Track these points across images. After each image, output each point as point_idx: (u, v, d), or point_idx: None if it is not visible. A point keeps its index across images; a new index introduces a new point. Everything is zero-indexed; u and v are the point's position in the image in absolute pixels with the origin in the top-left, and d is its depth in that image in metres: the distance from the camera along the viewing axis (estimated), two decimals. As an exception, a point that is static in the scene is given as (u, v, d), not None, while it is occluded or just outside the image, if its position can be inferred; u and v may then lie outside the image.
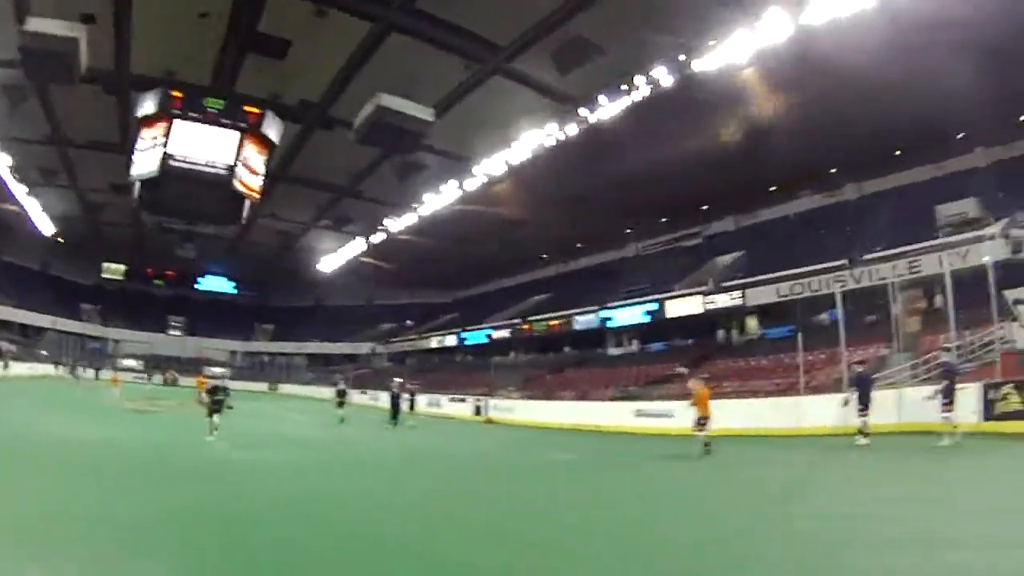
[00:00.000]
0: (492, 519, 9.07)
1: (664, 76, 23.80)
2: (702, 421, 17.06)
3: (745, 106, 27.43)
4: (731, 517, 8.97)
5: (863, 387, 17.02)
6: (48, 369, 54.38)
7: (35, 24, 22.62)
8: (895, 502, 9.39)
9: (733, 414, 22.33)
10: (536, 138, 30.63)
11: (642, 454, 18.42)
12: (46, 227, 54.23)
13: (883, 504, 9.22)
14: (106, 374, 52.61)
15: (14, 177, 41.21)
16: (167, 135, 28.91)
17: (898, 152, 32.73)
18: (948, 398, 15.35)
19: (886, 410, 18.17)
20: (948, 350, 17.55)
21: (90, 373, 49.96)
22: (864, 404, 16.83)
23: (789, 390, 22.70)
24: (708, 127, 29.30)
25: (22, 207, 48.03)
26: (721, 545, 7.15)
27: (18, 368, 48.68)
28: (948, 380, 15.53)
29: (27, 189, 44.51)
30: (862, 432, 16.65)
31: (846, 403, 17.53)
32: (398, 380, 30.10)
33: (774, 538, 7.49)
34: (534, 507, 10.15)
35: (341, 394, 26.30)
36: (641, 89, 24.71)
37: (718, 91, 25.31)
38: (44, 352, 59.70)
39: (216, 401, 16.46)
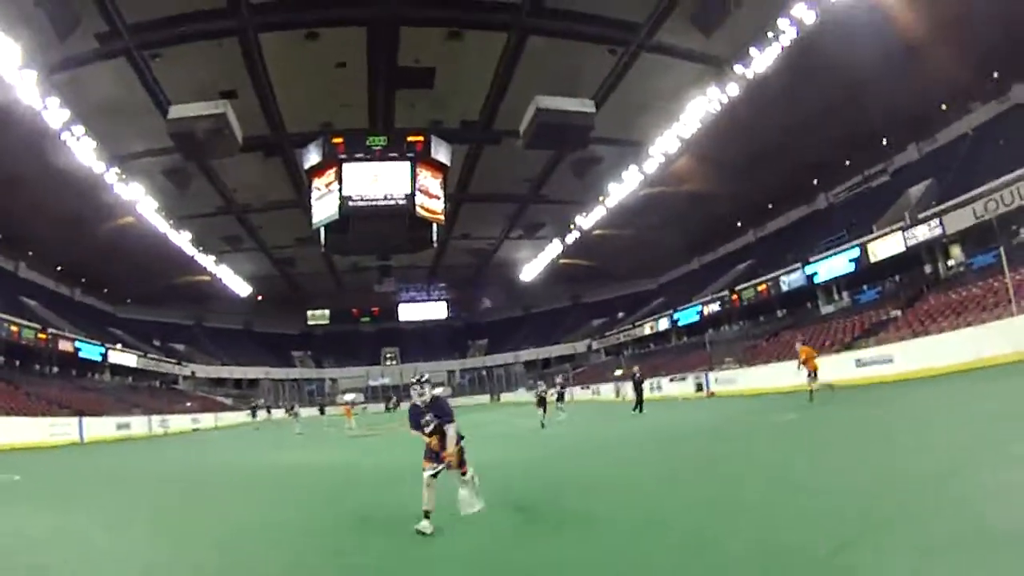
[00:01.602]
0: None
1: (805, 13, 22.83)
2: (812, 374, 18.93)
3: (892, 23, 25.54)
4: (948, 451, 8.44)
5: None
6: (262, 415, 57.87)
7: (178, 111, 24.81)
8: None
9: (953, 347, 20.97)
10: (701, 106, 29.92)
11: (862, 403, 17.55)
12: (243, 289, 58.29)
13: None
14: (333, 409, 56.17)
15: (199, 250, 44.39)
16: (339, 179, 30.70)
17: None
18: None
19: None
20: None
21: (307, 412, 52.89)
22: None
23: (1004, 315, 20.93)
24: (863, 54, 27.21)
25: (214, 275, 51.76)
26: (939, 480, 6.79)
27: (232, 417, 52.69)
28: None
29: (215, 258, 48.00)
30: None
31: None
32: (636, 368, 30.06)
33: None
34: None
35: (540, 400, 26.10)
36: (787, 32, 23.80)
37: (862, 14, 23.91)
38: (262, 400, 62.69)
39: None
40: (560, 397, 26.70)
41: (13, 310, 39.84)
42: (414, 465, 6.85)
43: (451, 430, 7.12)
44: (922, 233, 30.48)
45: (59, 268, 51.20)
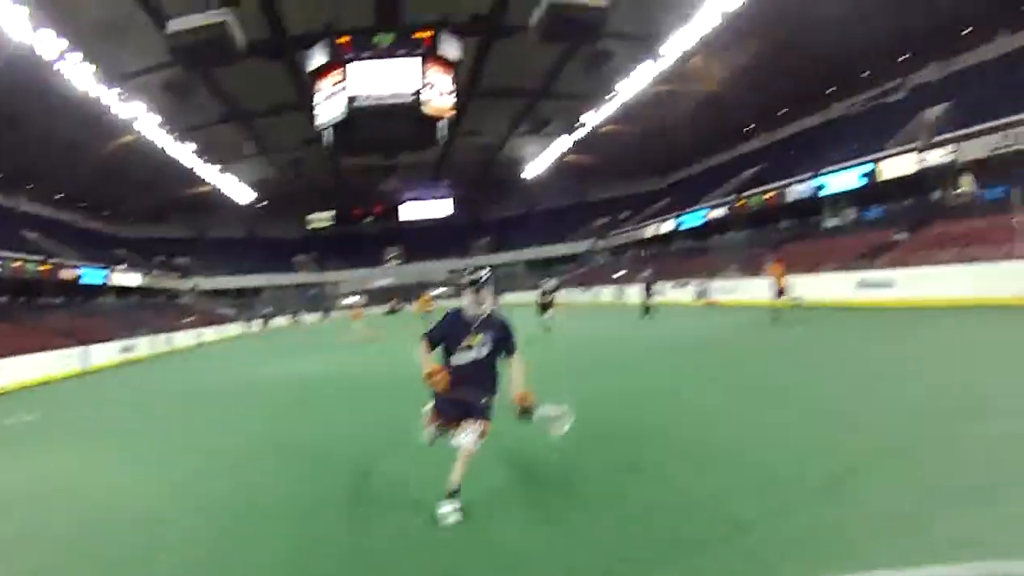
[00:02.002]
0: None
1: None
2: (781, 292, 19.97)
3: None
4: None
5: None
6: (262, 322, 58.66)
7: (177, 24, 24.05)
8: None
9: (957, 281, 20.64)
10: (721, 2, 29.09)
11: (860, 327, 17.31)
12: (245, 196, 58.27)
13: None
14: (334, 314, 56.61)
15: (202, 160, 44.25)
16: (345, 78, 30.18)
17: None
18: None
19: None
20: None
21: (311, 317, 52.85)
22: None
23: (1011, 254, 20.48)
24: None
25: (216, 186, 51.95)
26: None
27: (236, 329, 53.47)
28: None
29: (219, 168, 47.89)
30: None
31: None
32: (648, 270, 30.12)
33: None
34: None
35: (545, 304, 24.32)
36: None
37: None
38: (263, 309, 63.67)
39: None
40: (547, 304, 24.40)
41: (15, 245, 39.88)
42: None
43: (519, 364, 5.29)
44: (935, 157, 29.81)
45: (59, 197, 50.90)
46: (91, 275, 46.92)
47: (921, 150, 30.50)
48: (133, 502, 6.45)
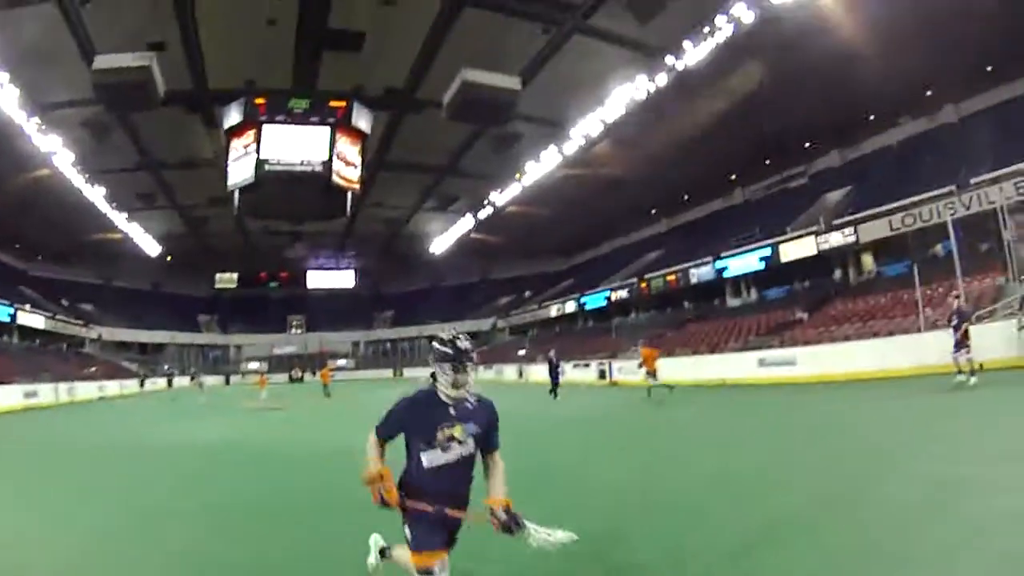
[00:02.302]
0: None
1: (744, 12, 22.82)
2: (651, 373, 21.44)
3: (830, 34, 25.72)
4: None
5: (961, 321, 15.75)
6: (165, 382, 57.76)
7: (103, 61, 23.65)
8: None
9: (857, 356, 21.43)
10: (627, 93, 29.82)
11: (763, 403, 17.74)
12: (152, 248, 56.55)
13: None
14: (236, 379, 55.30)
15: (111, 206, 42.87)
16: (258, 141, 29.83)
17: (990, 68, 30.23)
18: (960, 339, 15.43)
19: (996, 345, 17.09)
20: (957, 297, 17.66)
21: (213, 380, 51.46)
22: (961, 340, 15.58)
23: (910, 328, 21.44)
24: (796, 60, 27.66)
25: (125, 233, 50.10)
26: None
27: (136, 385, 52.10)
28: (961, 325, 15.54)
29: (127, 215, 46.36)
30: (961, 370, 15.35)
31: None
32: (552, 350, 29.80)
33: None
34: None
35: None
36: (723, 29, 23.77)
37: (800, 21, 24.06)
38: (166, 366, 63.35)
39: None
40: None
41: None
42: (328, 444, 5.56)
43: (500, 464, 3.85)
44: (836, 239, 31.22)
45: None
46: None
47: (821, 232, 31.87)
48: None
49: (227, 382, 52.34)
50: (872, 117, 35.08)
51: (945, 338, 16.34)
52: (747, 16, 22.90)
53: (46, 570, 5.60)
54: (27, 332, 50.05)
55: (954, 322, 15.73)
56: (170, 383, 53.98)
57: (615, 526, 6.07)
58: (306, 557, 5.68)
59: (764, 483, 7.53)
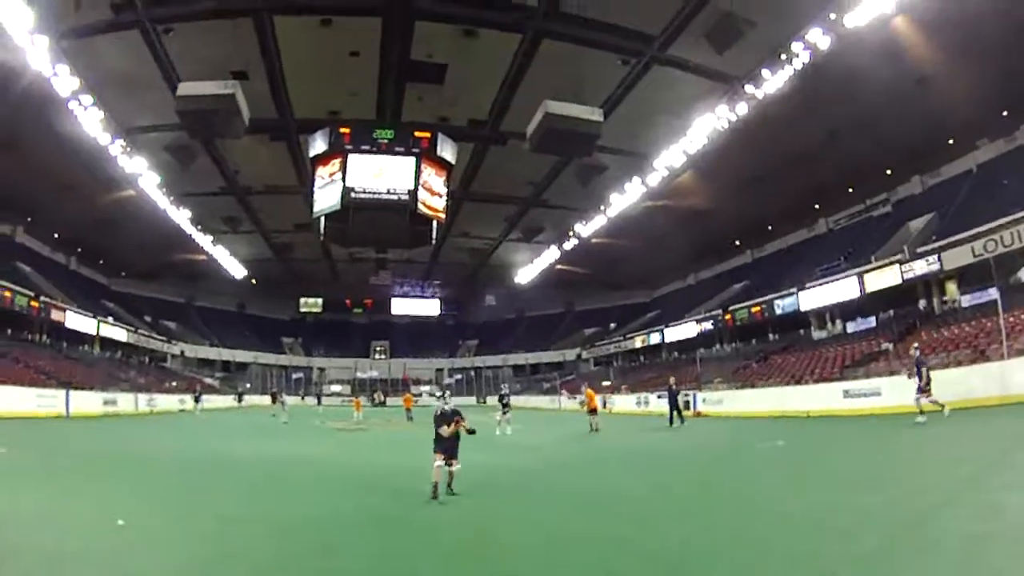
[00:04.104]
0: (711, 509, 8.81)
1: (819, 38, 22.75)
2: (592, 412, 24.51)
3: (906, 54, 25.42)
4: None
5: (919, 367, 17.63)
6: (256, 400, 59.21)
7: (187, 88, 24.50)
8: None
9: (940, 386, 20.90)
10: (709, 123, 29.77)
11: (846, 436, 17.52)
12: (237, 271, 58.27)
13: None
14: (310, 400, 57.09)
15: (196, 228, 44.44)
16: (343, 169, 30.48)
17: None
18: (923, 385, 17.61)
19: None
20: (918, 349, 19.44)
21: (291, 400, 52.27)
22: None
23: (993, 356, 20.86)
24: (873, 85, 27.45)
25: (210, 255, 51.72)
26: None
27: (219, 400, 53.73)
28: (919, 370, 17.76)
29: (212, 238, 48.07)
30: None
31: None
32: (672, 378, 29.47)
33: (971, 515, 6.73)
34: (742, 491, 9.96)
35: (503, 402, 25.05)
36: (800, 56, 23.70)
37: (876, 43, 23.73)
38: (248, 385, 64.98)
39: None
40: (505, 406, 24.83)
41: (7, 275, 39.51)
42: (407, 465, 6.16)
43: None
44: (920, 267, 30.51)
45: (56, 236, 50.96)
46: (80, 321, 46.73)
47: (905, 261, 31.20)
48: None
49: (319, 402, 53.27)
50: (951, 141, 34.25)
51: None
52: (823, 42, 22.85)
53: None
54: (109, 344, 51.79)
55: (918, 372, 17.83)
56: (239, 399, 55.57)
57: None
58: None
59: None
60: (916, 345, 20.20)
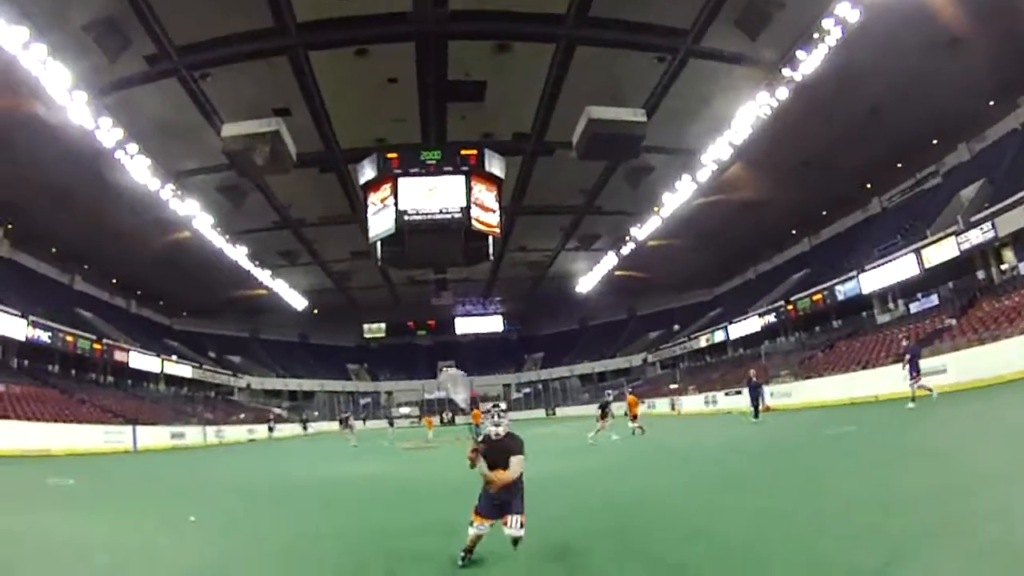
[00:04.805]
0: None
1: (849, 11, 22.71)
2: (634, 419, 25.66)
3: (935, 17, 24.79)
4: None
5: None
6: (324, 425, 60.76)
7: (230, 129, 25.53)
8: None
9: (1004, 359, 20.62)
10: (751, 111, 29.69)
11: (911, 417, 17.45)
12: (298, 302, 59.54)
13: None
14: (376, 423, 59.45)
15: (254, 264, 45.70)
16: (394, 193, 31.08)
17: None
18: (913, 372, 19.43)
19: None
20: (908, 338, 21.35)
21: (360, 424, 52.59)
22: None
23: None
24: (907, 54, 26.93)
25: (270, 288, 52.95)
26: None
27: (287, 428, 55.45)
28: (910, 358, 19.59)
29: (271, 272, 49.39)
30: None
31: None
32: (752, 371, 29.16)
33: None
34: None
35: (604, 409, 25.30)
36: (832, 32, 23.64)
37: (905, 9, 23.41)
38: (315, 412, 66.82)
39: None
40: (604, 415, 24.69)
41: (68, 321, 41.12)
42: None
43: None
44: (975, 237, 29.88)
45: (115, 281, 53.24)
46: (144, 360, 48.46)
47: (959, 232, 30.59)
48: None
49: (391, 424, 54.21)
50: (992, 103, 33.41)
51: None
52: (852, 15, 22.75)
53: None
54: (174, 381, 53.77)
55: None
56: (305, 427, 57.14)
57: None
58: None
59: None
60: (906, 337, 22.27)
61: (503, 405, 6.61)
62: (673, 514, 8.36)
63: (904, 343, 20.86)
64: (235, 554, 7.43)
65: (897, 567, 4.92)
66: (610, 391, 29.75)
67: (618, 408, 29.08)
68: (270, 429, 44.21)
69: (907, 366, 19.56)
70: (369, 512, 10.53)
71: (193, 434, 37.89)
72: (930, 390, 19.21)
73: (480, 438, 6.49)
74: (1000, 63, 28.75)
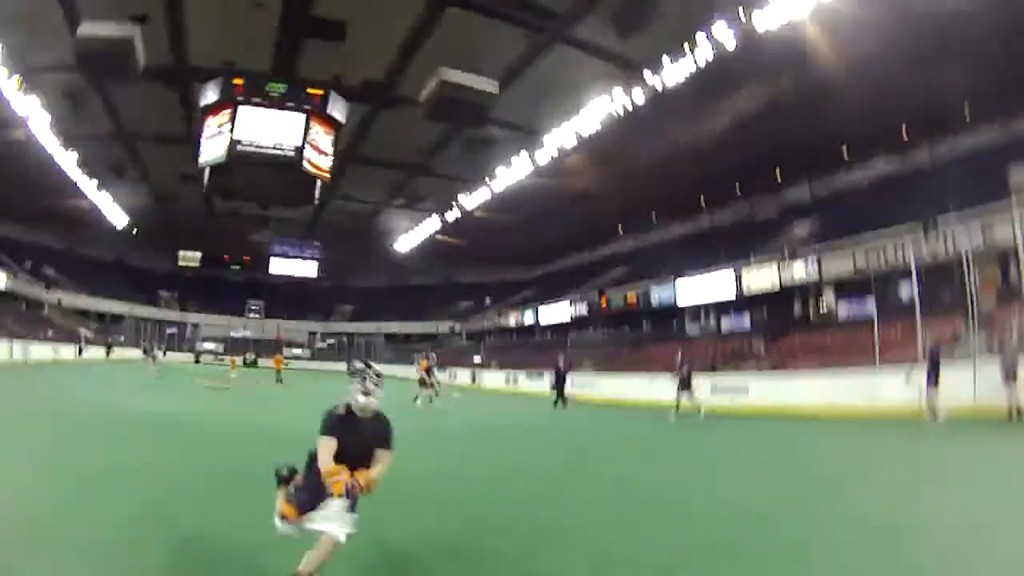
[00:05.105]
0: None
1: (726, 35, 22.77)
2: (421, 384, 24.84)
3: (810, 65, 25.73)
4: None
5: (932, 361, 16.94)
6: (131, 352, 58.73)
7: (87, 28, 23.34)
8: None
9: (808, 391, 21.47)
10: (604, 106, 29.67)
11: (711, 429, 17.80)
12: (119, 219, 56.50)
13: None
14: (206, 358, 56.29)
15: (83, 172, 42.88)
16: (232, 121, 29.28)
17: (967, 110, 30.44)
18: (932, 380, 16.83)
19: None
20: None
21: (165, 356, 51.09)
22: (932, 380, 16.85)
23: (865, 366, 21.49)
24: (774, 88, 28.04)
25: (93, 202, 50.10)
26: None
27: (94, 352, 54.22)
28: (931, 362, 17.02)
29: (97, 183, 46.34)
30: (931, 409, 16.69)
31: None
32: (561, 357, 29.42)
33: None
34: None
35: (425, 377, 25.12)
36: (704, 50, 23.76)
37: (781, 49, 23.90)
38: (122, 337, 64.45)
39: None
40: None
41: None
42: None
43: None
44: (798, 271, 31.18)
45: None
46: None
47: (783, 262, 31.92)
48: None
49: (197, 360, 51.85)
50: (846, 153, 35.26)
51: (900, 379, 16.89)
52: (728, 39, 22.85)
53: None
54: None
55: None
56: (109, 351, 54.31)
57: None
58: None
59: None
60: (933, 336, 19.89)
61: (376, 366, 4.70)
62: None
63: (930, 343, 17.94)
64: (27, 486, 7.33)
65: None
66: (434, 354, 28.77)
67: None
68: (80, 351, 41.56)
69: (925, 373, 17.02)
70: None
71: (1, 351, 36.73)
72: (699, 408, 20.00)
73: (339, 410, 4.60)
74: (865, 118, 30.14)
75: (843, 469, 11.50)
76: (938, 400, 16.52)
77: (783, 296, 33.51)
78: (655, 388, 28.03)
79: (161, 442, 11.58)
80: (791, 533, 6.79)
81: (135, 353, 56.01)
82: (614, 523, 7.11)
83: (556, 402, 25.82)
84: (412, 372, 29.54)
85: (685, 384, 21.00)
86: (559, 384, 26.51)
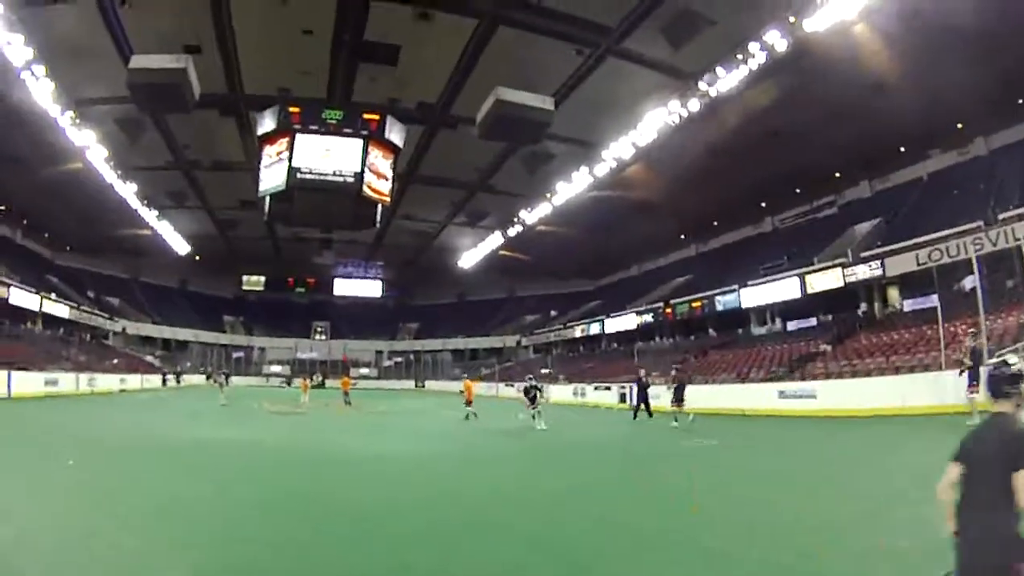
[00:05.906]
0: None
1: (777, 40, 22.75)
2: (468, 403, 25.48)
3: (863, 63, 25.60)
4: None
5: (974, 361, 15.90)
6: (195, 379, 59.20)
7: (139, 61, 23.69)
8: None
9: (876, 392, 21.19)
10: (660, 117, 29.75)
11: (782, 437, 17.67)
12: (181, 247, 57.06)
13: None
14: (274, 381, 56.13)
15: (143, 203, 43.51)
16: (291, 149, 29.63)
17: (1021, 102, 29.72)
18: (973, 380, 15.56)
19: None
20: (975, 335, 17.77)
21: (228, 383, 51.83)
22: (973, 380, 15.69)
23: (932, 364, 21.07)
24: (829, 89, 27.74)
25: (154, 230, 50.63)
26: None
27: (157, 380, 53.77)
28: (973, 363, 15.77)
29: (157, 213, 47.01)
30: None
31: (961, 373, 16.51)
32: (642, 370, 28.63)
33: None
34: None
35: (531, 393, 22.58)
36: (756, 56, 23.75)
37: (832, 51, 23.99)
38: (187, 364, 65.17)
39: None
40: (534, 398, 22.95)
41: None
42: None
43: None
44: (862, 272, 30.83)
45: (2, 208, 49.47)
46: (23, 297, 45.55)
47: (848, 265, 31.53)
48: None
49: (288, 384, 52.74)
50: (903, 149, 34.86)
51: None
52: (780, 44, 22.83)
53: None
54: (51, 320, 50.61)
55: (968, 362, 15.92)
56: (164, 382, 55.04)
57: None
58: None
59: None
60: (972, 330, 19.03)
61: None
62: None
63: (968, 343, 17.05)
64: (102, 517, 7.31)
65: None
66: (530, 376, 27.28)
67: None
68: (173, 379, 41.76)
69: (965, 372, 16.15)
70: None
71: (66, 381, 35.93)
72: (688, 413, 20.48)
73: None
74: (920, 114, 29.69)
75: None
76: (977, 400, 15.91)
77: (848, 296, 33.08)
78: (727, 396, 28.00)
79: (302, 475, 11.50)
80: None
81: (199, 379, 57.39)
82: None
83: (636, 414, 25.44)
84: (479, 388, 29.33)
85: (679, 397, 21.74)
86: (642, 396, 26.04)
